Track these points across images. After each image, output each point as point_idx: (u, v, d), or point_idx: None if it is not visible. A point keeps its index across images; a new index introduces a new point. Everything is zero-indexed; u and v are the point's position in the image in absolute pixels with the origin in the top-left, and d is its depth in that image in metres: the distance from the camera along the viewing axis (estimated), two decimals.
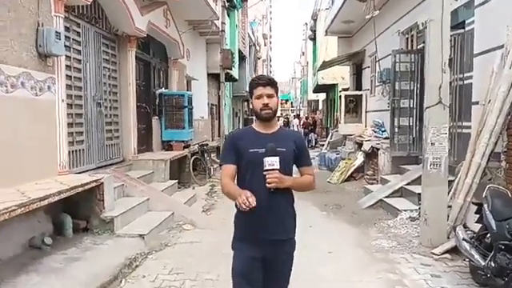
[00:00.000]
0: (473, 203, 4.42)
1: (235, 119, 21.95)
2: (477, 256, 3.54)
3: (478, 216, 3.88)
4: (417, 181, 6.17)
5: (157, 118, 9.07)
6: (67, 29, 5.49)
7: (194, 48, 11.96)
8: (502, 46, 4.89)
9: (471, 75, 5.79)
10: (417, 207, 5.81)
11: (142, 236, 4.87)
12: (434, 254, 4.46)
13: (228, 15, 14.78)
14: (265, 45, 39.09)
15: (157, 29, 8.21)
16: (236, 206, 2.30)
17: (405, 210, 5.97)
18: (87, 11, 6.14)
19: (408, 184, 6.73)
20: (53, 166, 4.91)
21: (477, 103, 5.34)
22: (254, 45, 26.43)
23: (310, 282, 3.81)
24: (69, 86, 5.52)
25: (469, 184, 4.68)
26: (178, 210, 6.10)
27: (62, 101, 5.04)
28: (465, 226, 4.38)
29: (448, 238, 4.66)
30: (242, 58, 19.00)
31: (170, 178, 7.53)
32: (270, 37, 47.46)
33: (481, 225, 3.81)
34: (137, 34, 7.25)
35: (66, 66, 5.37)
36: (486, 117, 4.77)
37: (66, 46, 5.20)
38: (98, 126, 6.48)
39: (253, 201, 1.99)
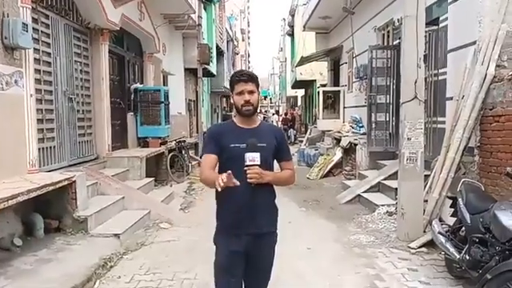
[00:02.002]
0: (448, 197, 4.50)
1: (214, 115, 21.76)
2: (452, 249, 3.60)
3: (453, 210, 3.95)
4: (394, 176, 6.25)
5: (132, 113, 8.86)
6: (35, 20, 5.24)
7: (170, 42, 11.73)
8: (474, 43, 5.00)
9: (445, 71, 5.90)
10: (394, 202, 5.88)
11: (117, 235, 4.75)
12: (410, 247, 4.52)
13: (205, 9, 14.55)
14: (243, 40, 38.86)
15: (131, 22, 7.99)
16: (217, 199, 2.29)
17: (382, 205, 6.04)
18: (56, 2, 5.89)
19: (385, 179, 6.82)
20: (22, 164, 4.71)
21: (451, 99, 5.44)
22: (232, 40, 26.24)
23: (289, 277, 3.79)
24: (38, 81, 5.29)
25: (444, 178, 4.77)
26: (154, 208, 5.97)
27: (31, 96, 4.83)
28: (440, 220, 4.46)
29: (424, 231, 4.74)
30: (219, 53, 18.82)
31: (147, 176, 7.36)
32: (249, 32, 47.12)
33: (456, 218, 3.88)
34: (110, 27, 7.02)
35: (35, 59, 5.15)
36: (459, 112, 4.86)
37: (34, 38, 4.98)
38: (69, 122, 6.25)
39: (228, 178, 1.97)
